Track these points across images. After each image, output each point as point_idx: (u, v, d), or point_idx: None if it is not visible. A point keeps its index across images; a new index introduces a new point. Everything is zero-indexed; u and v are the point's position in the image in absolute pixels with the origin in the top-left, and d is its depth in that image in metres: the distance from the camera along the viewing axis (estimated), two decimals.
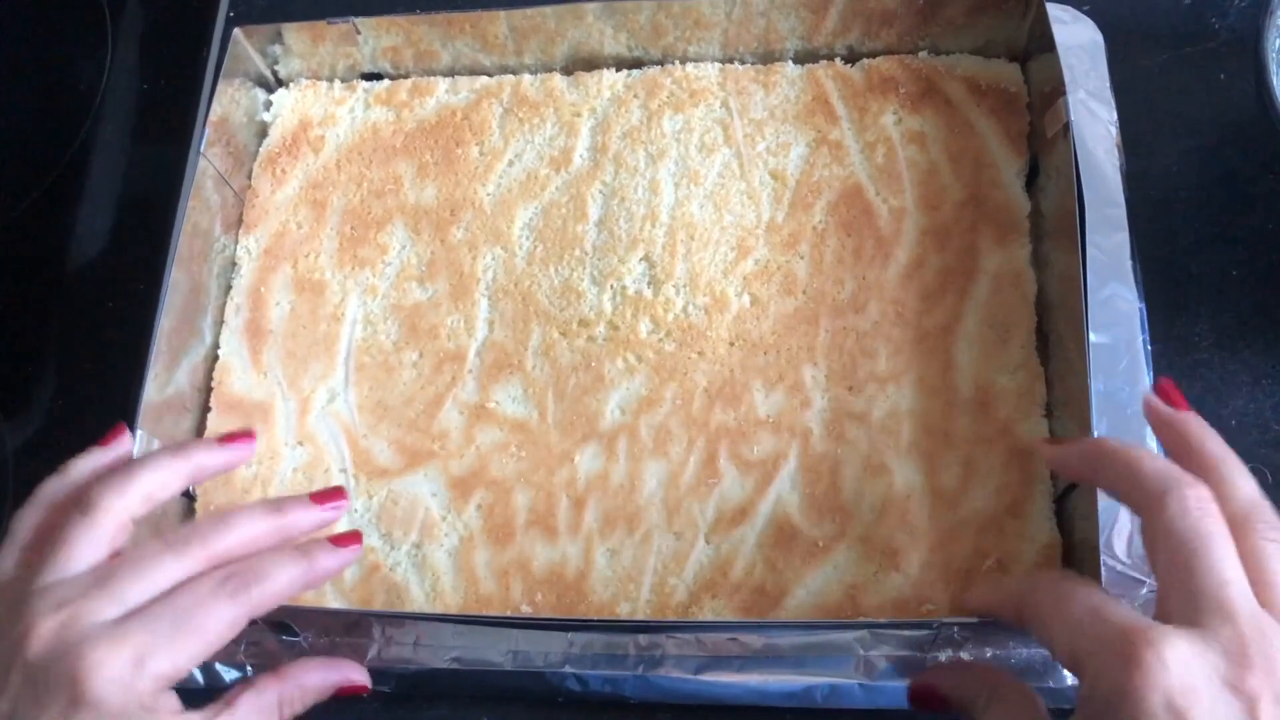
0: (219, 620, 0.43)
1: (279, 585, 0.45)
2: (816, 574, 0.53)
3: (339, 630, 0.56)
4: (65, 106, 0.80)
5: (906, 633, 0.51)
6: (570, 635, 0.55)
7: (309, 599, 0.56)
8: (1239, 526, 0.40)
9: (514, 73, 0.67)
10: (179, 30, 0.81)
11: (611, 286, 0.61)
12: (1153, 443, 0.53)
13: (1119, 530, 0.53)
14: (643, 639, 0.54)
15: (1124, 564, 0.53)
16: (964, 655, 0.53)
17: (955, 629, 0.50)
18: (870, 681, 0.53)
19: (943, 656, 0.53)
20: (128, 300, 0.73)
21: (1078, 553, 0.51)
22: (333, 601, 0.57)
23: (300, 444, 0.60)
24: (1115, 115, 0.63)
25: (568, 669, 0.55)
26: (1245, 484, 0.41)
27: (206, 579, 0.44)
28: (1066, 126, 0.56)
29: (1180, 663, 0.36)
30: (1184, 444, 0.43)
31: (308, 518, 0.48)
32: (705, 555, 0.55)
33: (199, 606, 0.43)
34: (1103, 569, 0.48)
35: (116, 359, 0.69)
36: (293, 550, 0.46)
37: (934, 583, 0.52)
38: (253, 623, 0.52)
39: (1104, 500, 0.51)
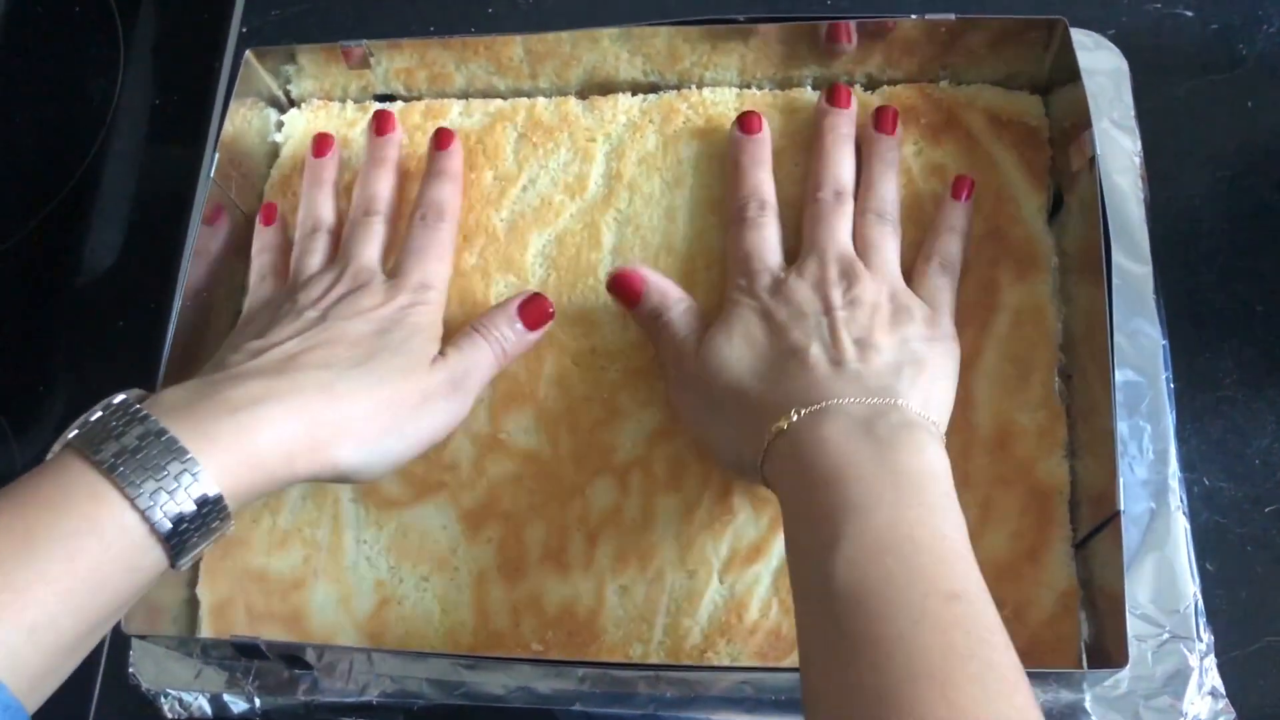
0: None
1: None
2: None
3: (348, 663, 0.56)
4: (78, 120, 0.80)
5: None
6: (581, 672, 0.54)
7: (320, 632, 0.56)
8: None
9: (528, 96, 0.67)
10: (191, 44, 0.80)
11: (626, 317, 0.60)
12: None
13: (1141, 577, 0.53)
14: (653, 678, 0.54)
15: (1148, 612, 0.52)
16: None
17: None
18: None
19: None
20: (139, 316, 0.73)
21: (1098, 601, 0.51)
22: (343, 634, 0.56)
23: None
24: (1140, 145, 0.62)
25: (578, 707, 0.54)
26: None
27: None
28: (1093, 160, 0.55)
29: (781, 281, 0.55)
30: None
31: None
32: (719, 595, 0.54)
33: None
34: (1128, 617, 0.47)
35: (126, 376, 0.68)
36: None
37: None
38: (265, 658, 0.52)
39: (1128, 544, 0.50)
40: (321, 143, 0.64)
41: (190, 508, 0.44)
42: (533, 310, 0.57)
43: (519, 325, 0.57)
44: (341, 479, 0.51)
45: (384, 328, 0.54)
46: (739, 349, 0.52)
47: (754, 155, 0.59)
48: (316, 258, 0.60)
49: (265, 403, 0.47)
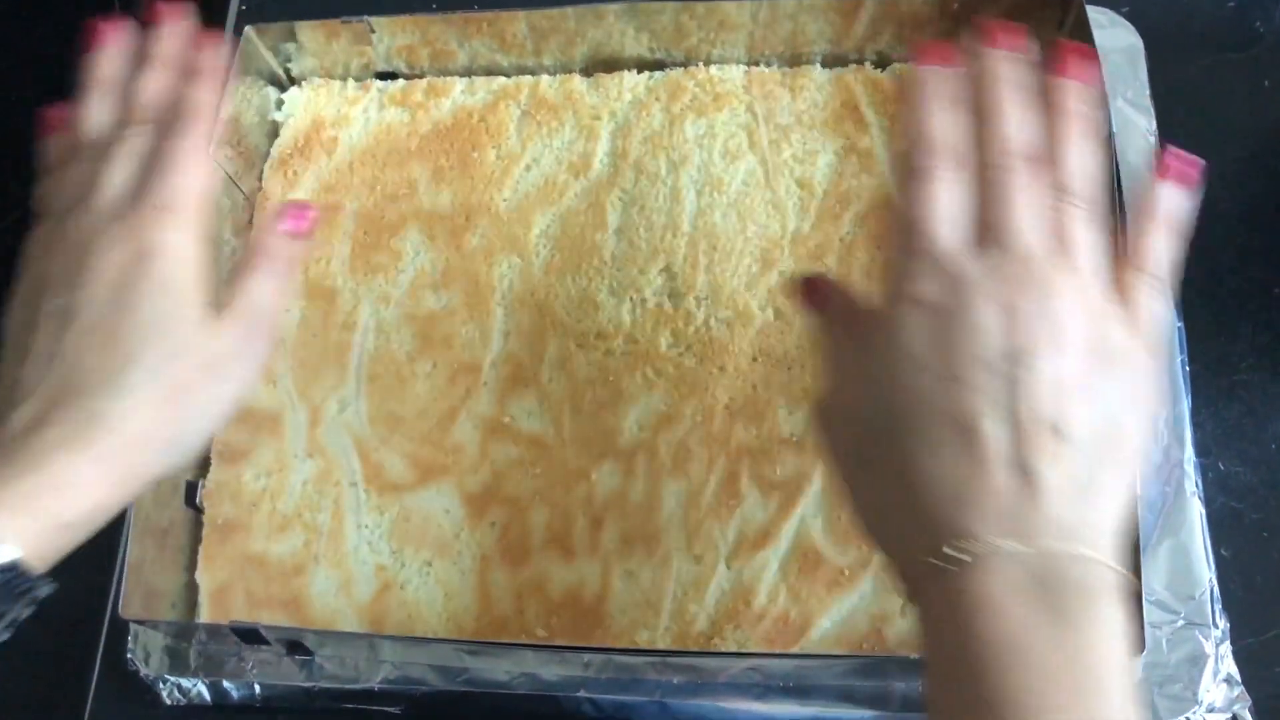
0: None
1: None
2: (842, 604, 0.52)
3: (348, 650, 0.55)
4: (73, 96, 0.79)
5: None
6: (586, 658, 0.53)
7: (321, 618, 0.55)
8: None
9: (532, 73, 0.65)
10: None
11: (631, 298, 0.59)
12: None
13: (1156, 563, 0.52)
14: (660, 664, 0.53)
15: (1163, 598, 0.51)
16: None
17: None
18: (893, 713, 0.52)
19: None
20: None
21: None
22: (344, 619, 0.55)
23: (310, 456, 0.58)
24: (1155, 124, 0.61)
25: (583, 693, 0.54)
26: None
27: None
28: (1109, 138, 0.54)
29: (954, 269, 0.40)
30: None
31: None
32: (726, 581, 0.53)
33: None
34: (1144, 604, 0.46)
35: None
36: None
37: None
38: (265, 644, 0.52)
39: (1144, 529, 0.49)
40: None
41: None
42: (294, 218, 0.49)
43: (291, 238, 0.49)
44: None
45: (120, 296, 0.44)
46: (901, 396, 0.39)
47: (942, 92, 0.43)
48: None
49: (50, 463, 0.41)
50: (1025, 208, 0.41)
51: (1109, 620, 0.36)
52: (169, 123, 0.47)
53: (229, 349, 0.46)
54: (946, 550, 0.37)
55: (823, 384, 0.44)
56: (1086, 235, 0.41)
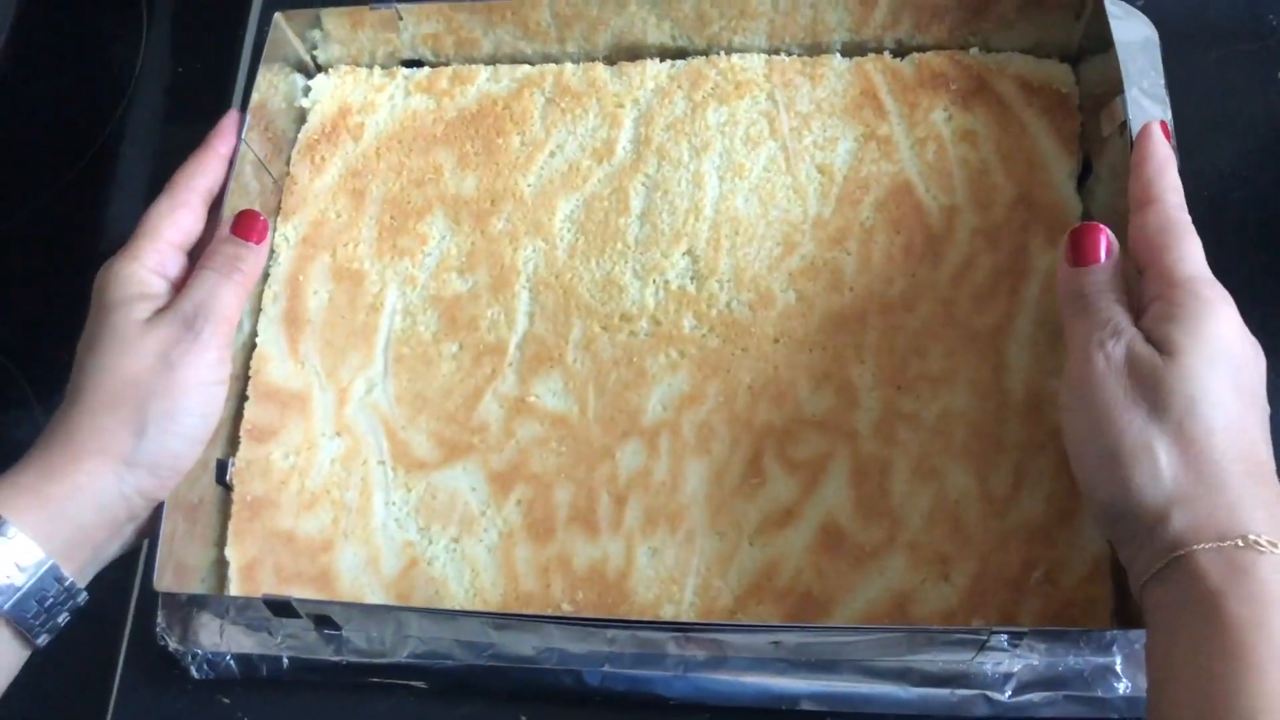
0: None
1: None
2: (866, 582, 0.53)
3: (376, 624, 0.56)
4: (99, 89, 0.80)
5: (954, 639, 0.51)
6: (610, 634, 0.54)
7: (349, 593, 0.56)
8: None
9: (556, 61, 0.66)
10: (214, 12, 0.80)
11: (654, 281, 0.60)
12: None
13: None
14: (683, 639, 0.54)
15: None
16: (1014, 666, 0.52)
17: (1004, 638, 0.49)
18: (914, 688, 0.52)
19: (989, 666, 0.52)
20: None
21: None
22: (371, 595, 0.56)
23: (338, 435, 0.59)
24: (1170, 114, 0.62)
25: (607, 668, 0.54)
26: None
27: None
28: (1124, 125, 0.55)
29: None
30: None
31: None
32: (750, 558, 0.54)
33: None
34: None
35: None
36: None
37: (983, 595, 0.51)
38: (296, 616, 0.53)
39: None
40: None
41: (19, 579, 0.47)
42: (244, 224, 0.57)
43: (240, 241, 0.56)
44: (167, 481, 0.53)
45: (87, 327, 0.53)
46: (1218, 382, 0.45)
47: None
48: None
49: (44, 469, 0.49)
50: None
51: None
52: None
53: (171, 336, 0.52)
54: (1265, 543, 0.41)
55: (1100, 335, 0.47)
56: None
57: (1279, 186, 0.63)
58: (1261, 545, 0.41)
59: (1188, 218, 0.49)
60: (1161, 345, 0.45)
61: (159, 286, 0.54)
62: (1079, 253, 0.50)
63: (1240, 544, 0.41)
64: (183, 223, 0.56)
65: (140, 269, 0.54)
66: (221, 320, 0.54)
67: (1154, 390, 0.45)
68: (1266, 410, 0.46)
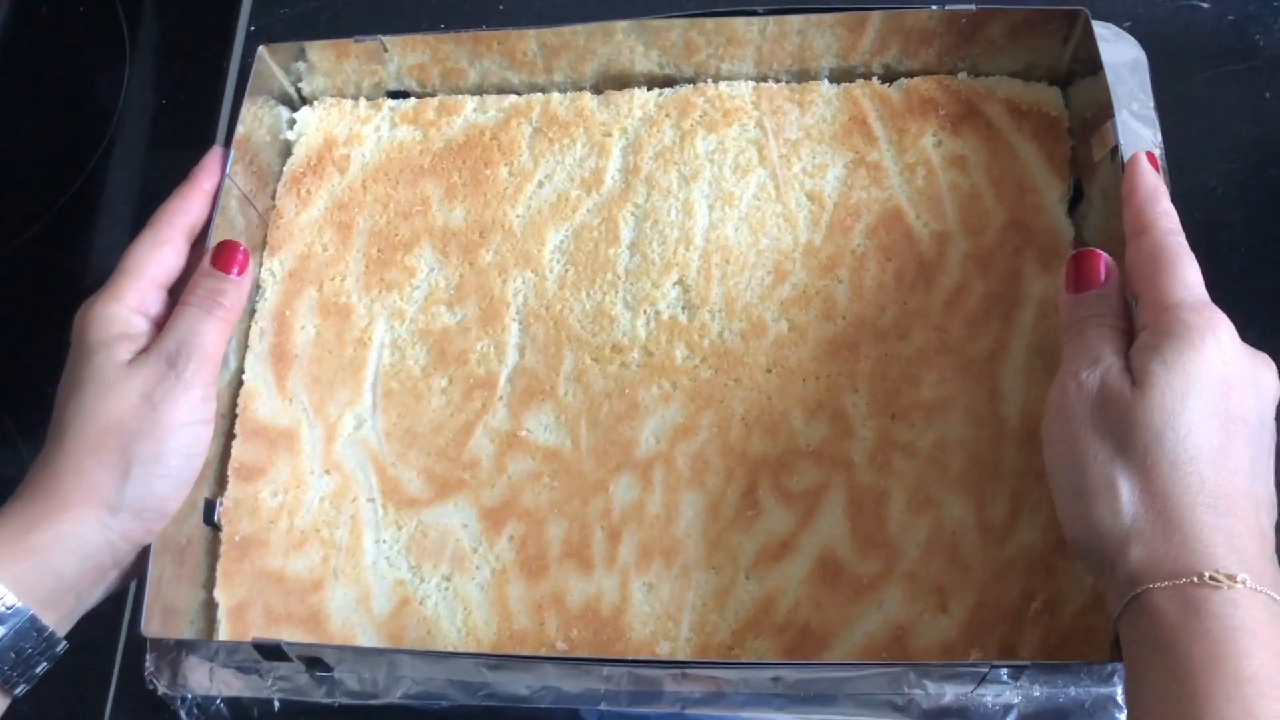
0: None
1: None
2: (863, 614, 0.52)
3: (368, 665, 0.55)
4: (84, 121, 0.79)
5: (954, 672, 0.50)
6: (606, 671, 0.53)
7: (340, 633, 0.55)
8: None
9: (543, 91, 0.66)
10: (198, 43, 0.79)
11: (645, 311, 0.59)
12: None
13: None
14: (680, 675, 0.53)
15: None
16: (1014, 697, 0.51)
17: (1004, 671, 0.49)
18: None
19: (989, 698, 0.51)
20: None
21: None
22: (362, 635, 0.55)
23: (327, 472, 0.59)
24: (1160, 136, 0.62)
25: (603, 706, 0.54)
26: None
27: None
28: (1115, 150, 0.54)
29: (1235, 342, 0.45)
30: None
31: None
32: (747, 592, 0.53)
33: None
34: None
35: None
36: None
37: (982, 626, 0.51)
38: (287, 660, 0.52)
39: None
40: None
41: None
42: (224, 256, 0.55)
43: (221, 274, 0.55)
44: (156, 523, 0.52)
45: (67, 369, 0.53)
46: (1190, 418, 0.43)
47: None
48: None
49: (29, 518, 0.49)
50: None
51: None
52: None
53: (154, 375, 0.51)
54: (1223, 577, 0.40)
55: (1079, 367, 0.47)
56: None
57: (1269, 206, 0.63)
58: (1218, 580, 0.40)
59: (1182, 242, 0.49)
60: (1137, 376, 0.45)
61: (141, 326, 0.54)
62: (1077, 279, 0.49)
63: (1195, 580, 0.41)
64: (165, 260, 0.55)
65: (122, 309, 0.53)
66: (204, 358, 0.53)
67: (1120, 423, 0.44)
68: (1270, 431, 0.45)
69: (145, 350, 0.52)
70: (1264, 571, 0.41)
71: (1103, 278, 0.49)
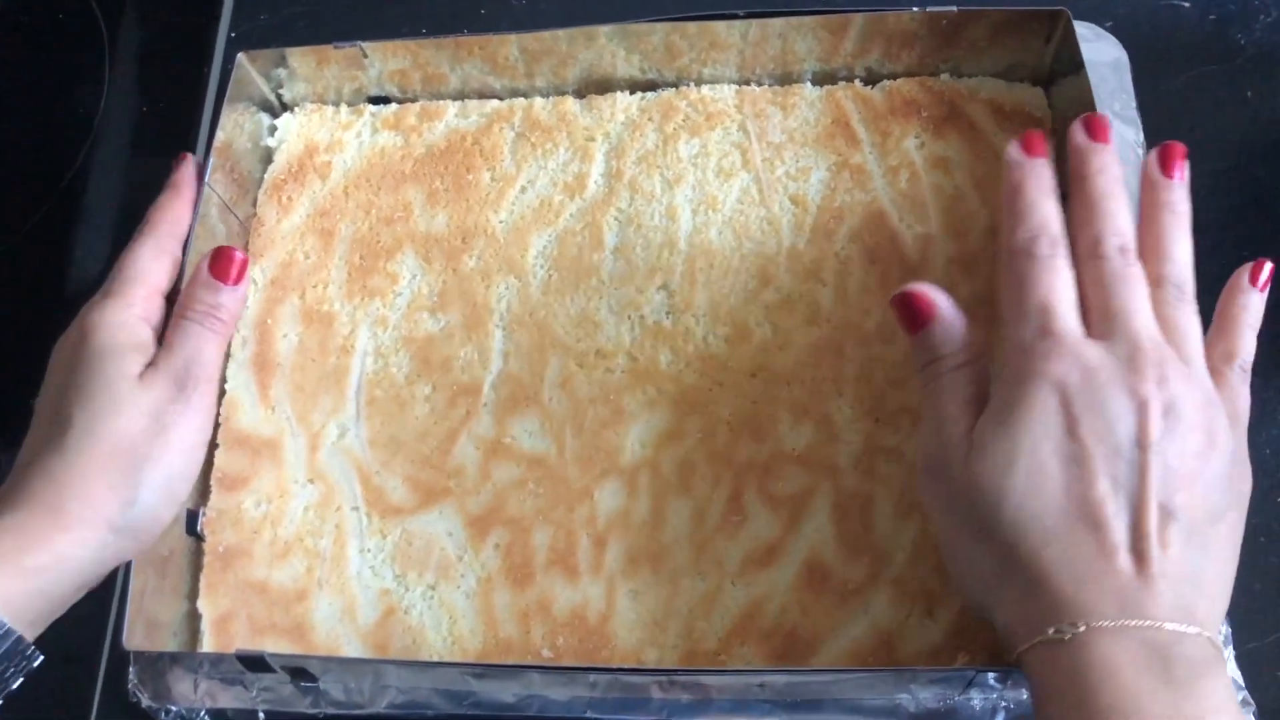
0: None
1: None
2: (850, 619, 0.52)
3: (353, 675, 0.55)
4: (64, 129, 0.79)
5: (941, 676, 0.50)
6: (593, 679, 0.53)
7: (324, 644, 0.55)
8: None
9: (525, 95, 0.66)
10: (178, 51, 0.79)
11: (630, 316, 0.59)
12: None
13: None
14: (666, 683, 0.53)
15: None
16: (1002, 700, 0.51)
17: (991, 675, 0.49)
18: None
19: (977, 701, 0.51)
20: None
21: None
22: (347, 645, 0.55)
23: (311, 481, 0.58)
24: (1142, 135, 0.62)
25: (590, 714, 0.53)
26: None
27: None
28: None
29: (1087, 355, 0.43)
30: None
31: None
32: (734, 598, 0.53)
33: None
34: None
35: None
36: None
37: (968, 630, 0.51)
38: (271, 671, 0.51)
39: None
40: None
41: None
42: (221, 264, 0.55)
43: (219, 286, 0.54)
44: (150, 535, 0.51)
45: (66, 375, 0.51)
46: (1023, 477, 0.42)
47: (1040, 181, 0.48)
48: None
49: (15, 531, 0.47)
50: (1142, 299, 0.45)
51: (1219, 690, 0.39)
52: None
53: (164, 396, 0.50)
54: (1066, 626, 0.40)
55: (927, 439, 0.46)
56: (1192, 327, 0.45)
57: (1250, 206, 0.63)
58: (1063, 632, 0.40)
59: (1043, 256, 0.46)
60: (975, 440, 0.44)
61: (148, 336, 0.53)
62: (909, 321, 0.48)
63: (1049, 635, 0.40)
64: (168, 270, 0.55)
65: (131, 317, 0.52)
66: (209, 379, 0.53)
67: (960, 498, 0.44)
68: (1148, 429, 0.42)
69: (153, 365, 0.52)
70: (1123, 602, 0.40)
71: (934, 313, 0.47)
